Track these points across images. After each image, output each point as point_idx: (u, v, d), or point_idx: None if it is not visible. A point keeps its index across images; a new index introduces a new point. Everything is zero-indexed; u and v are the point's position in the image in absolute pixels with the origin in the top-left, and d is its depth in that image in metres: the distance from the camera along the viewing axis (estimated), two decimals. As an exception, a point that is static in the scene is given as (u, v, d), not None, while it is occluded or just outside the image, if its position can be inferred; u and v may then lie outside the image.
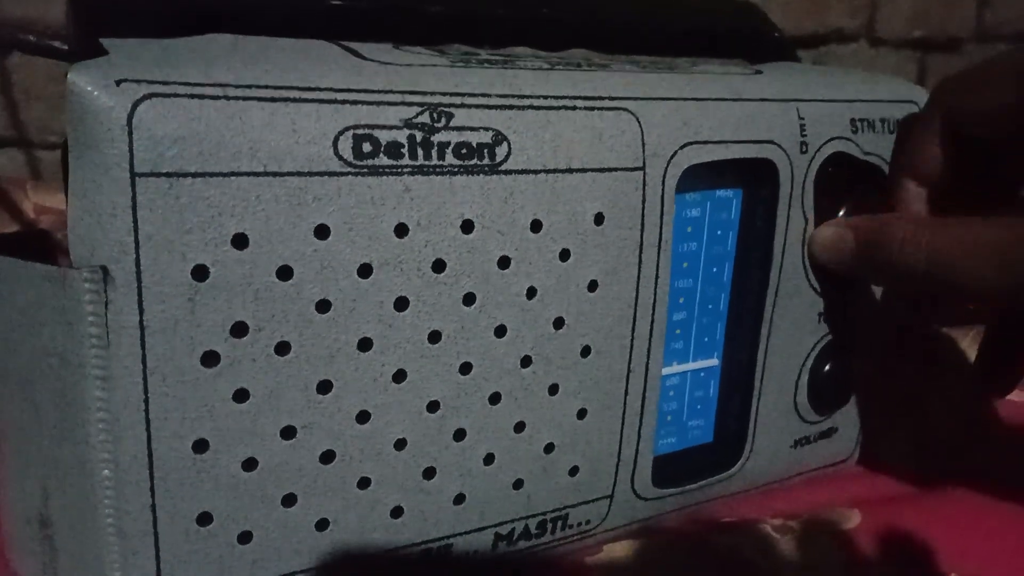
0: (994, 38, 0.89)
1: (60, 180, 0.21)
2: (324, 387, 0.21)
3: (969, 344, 0.43)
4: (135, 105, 0.18)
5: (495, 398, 0.24)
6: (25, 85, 0.66)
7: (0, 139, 0.60)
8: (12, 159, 0.68)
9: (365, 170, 0.20)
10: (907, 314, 0.34)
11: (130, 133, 0.18)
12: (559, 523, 0.27)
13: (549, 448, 0.25)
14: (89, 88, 0.18)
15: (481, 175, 0.22)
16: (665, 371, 0.28)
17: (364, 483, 0.23)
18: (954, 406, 0.38)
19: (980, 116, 0.27)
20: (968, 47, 0.88)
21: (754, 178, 0.28)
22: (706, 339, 0.29)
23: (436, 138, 0.21)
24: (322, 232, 0.20)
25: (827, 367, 0.31)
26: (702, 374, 0.30)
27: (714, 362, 0.30)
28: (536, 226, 0.23)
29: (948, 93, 0.28)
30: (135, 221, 0.19)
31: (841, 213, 0.30)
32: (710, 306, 0.29)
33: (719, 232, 0.28)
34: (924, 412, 0.37)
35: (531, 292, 0.24)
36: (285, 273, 0.20)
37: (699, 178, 0.26)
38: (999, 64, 0.27)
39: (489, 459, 0.25)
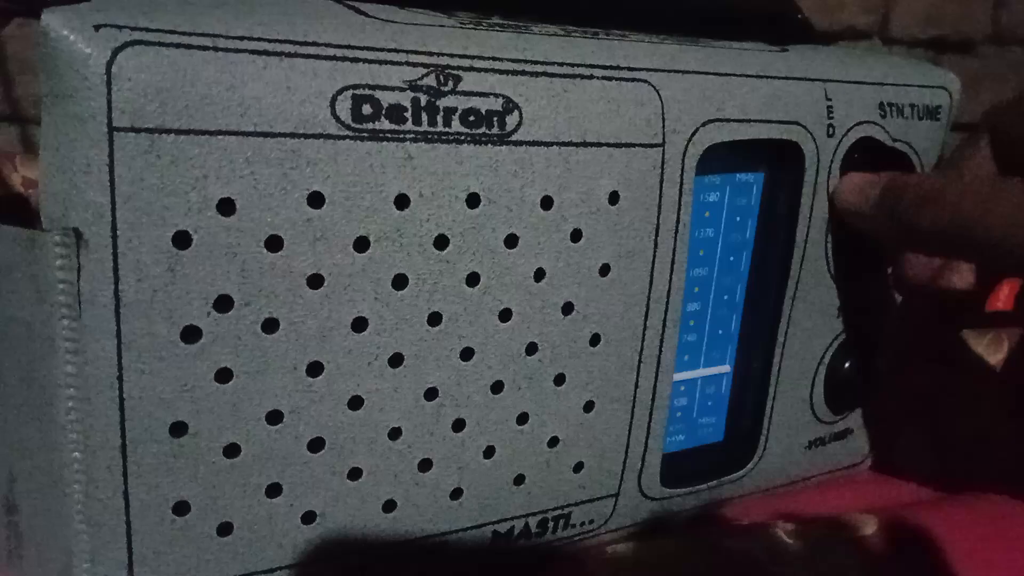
0: (1010, 40, 0.87)
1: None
2: (314, 369, 0.20)
3: (987, 347, 0.41)
4: (115, 53, 0.17)
5: (497, 387, 0.22)
6: (19, 59, 0.65)
7: (-7, 113, 0.59)
8: (5, 133, 0.67)
9: (365, 134, 0.19)
10: (928, 313, 0.32)
11: (109, 83, 0.17)
12: (561, 522, 0.25)
13: (553, 442, 0.24)
14: (64, 32, 0.17)
15: (490, 145, 0.20)
16: (678, 376, 0.27)
17: (355, 474, 0.21)
18: (972, 409, 0.36)
19: None
20: (983, 48, 0.87)
21: (777, 161, 0.26)
22: (720, 331, 0.28)
23: (442, 103, 0.20)
24: (316, 200, 0.19)
25: (846, 364, 0.29)
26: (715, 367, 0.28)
27: (726, 367, 0.28)
28: (547, 203, 0.22)
29: (996, 117, 0.27)
30: (112, 180, 0.17)
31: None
32: (725, 297, 0.27)
33: (738, 218, 0.27)
34: (941, 415, 0.35)
35: (539, 274, 0.22)
36: (275, 243, 0.19)
37: (719, 160, 0.25)
38: None
39: (489, 452, 0.23)
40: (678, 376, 0.27)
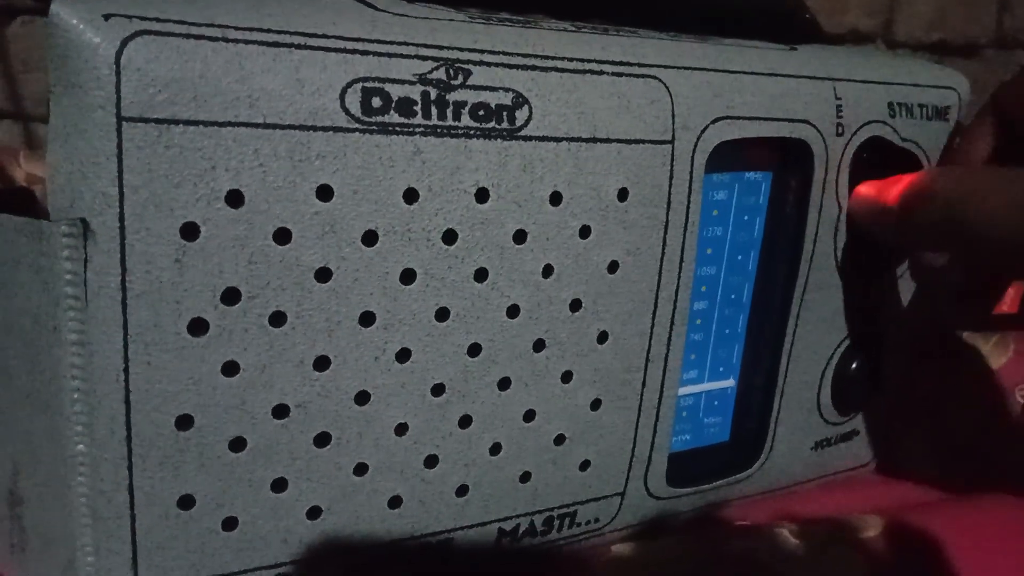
0: (1013, 44, 0.87)
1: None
2: (321, 363, 0.20)
3: (992, 349, 0.41)
4: (124, 43, 0.17)
5: (504, 383, 0.22)
6: (23, 56, 0.65)
7: (-3, 110, 0.59)
8: (8, 131, 0.67)
9: (374, 127, 0.19)
10: (935, 314, 0.32)
11: (118, 73, 0.17)
12: (567, 520, 0.25)
13: (560, 440, 0.24)
14: (74, 22, 0.16)
15: (499, 140, 0.20)
16: (683, 391, 0.27)
17: (361, 469, 0.21)
18: (976, 410, 0.36)
19: None
20: (987, 52, 0.87)
21: (785, 160, 0.26)
22: (727, 331, 0.28)
23: (452, 97, 0.20)
24: (325, 193, 0.19)
25: (853, 365, 0.29)
26: (721, 369, 0.28)
27: (731, 381, 0.28)
28: (556, 199, 0.21)
29: (1007, 98, 0.27)
30: (120, 171, 0.17)
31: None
32: (733, 296, 0.27)
33: (746, 217, 0.26)
34: (946, 417, 0.35)
35: (547, 270, 0.22)
36: (283, 236, 0.19)
37: (727, 158, 0.25)
38: None
39: (495, 449, 0.23)
40: (683, 391, 0.27)
